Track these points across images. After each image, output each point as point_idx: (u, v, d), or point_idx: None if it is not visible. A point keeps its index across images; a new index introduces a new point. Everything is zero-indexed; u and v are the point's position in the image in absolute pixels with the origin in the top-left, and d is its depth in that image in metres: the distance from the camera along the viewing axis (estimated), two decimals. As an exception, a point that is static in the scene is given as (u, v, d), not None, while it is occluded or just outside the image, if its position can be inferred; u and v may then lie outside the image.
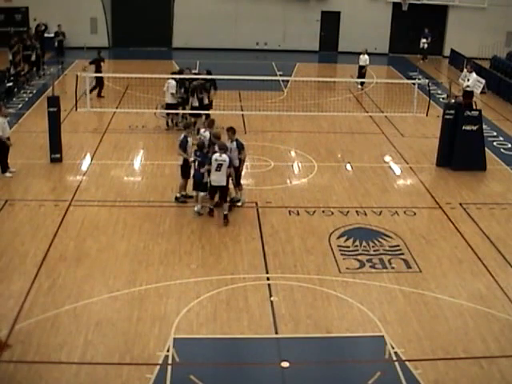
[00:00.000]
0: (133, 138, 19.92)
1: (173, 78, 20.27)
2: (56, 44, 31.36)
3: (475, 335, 10.51)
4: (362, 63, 27.49)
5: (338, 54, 35.35)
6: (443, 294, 11.73)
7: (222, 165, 13.77)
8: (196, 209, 14.52)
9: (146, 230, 13.84)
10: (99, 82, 23.64)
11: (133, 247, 13.07)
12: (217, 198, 14.25)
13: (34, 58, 26.68)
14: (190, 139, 15.00)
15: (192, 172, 14.67)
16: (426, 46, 33.36)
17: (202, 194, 14.42)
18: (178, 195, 15.19)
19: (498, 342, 10.33)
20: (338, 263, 12.70)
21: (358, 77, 27.14)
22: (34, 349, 9.80)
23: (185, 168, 14.97)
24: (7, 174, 16.37)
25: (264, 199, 15.51)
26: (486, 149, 18.38)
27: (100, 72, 23.72)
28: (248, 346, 10.34)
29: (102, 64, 24.29)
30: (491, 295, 11.75)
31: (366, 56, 27.47)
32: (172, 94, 20.05)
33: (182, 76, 20.44)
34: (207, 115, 19.02)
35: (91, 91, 22.20)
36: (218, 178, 13.88)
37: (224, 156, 13.79)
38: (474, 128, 17.61)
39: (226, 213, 14.06)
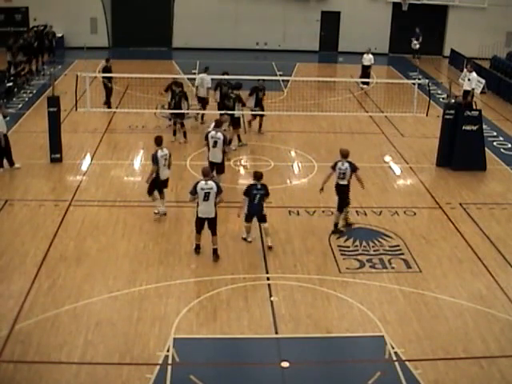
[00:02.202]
0: (133, 138, 19.91)
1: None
2: (47, 44, 31.19)
3: (475, 335, 10.51)
4: (366, 63, 27.38)
5: (338, 53, 35.31)
6: (443, 294, 11.73)
7: (209, 193, 12.33)
8: (249, 239, 13.47)
9: (146, 230, 13.84)
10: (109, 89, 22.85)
11: (133, 247, 13.08)
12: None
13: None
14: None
15: None
16: (417, 46, 33.32)
17: (265, 224, 13.30)
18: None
19: (498, 342, 10.34)
20: (338, 263, 12.70)
21: (361, 76, 27.07)
22: (34, 349, 9.81)
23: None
24: (16, 165, 16.65)
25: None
26: (486, 149, 18.38)
27: (109, 81, 22.48)
28: (248, 346, 10.34)
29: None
30: (491, 295, 11.76)
31: (371, 55, 27.40)
32: (208, 88, 20.31)
33: (222, 76, 20.34)
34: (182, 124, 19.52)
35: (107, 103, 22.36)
36: (205, 209, 12.42)
37: (210, 183, 12.43)
38: (474, 128, 17.61)
39: (215, 247, 12.66)
